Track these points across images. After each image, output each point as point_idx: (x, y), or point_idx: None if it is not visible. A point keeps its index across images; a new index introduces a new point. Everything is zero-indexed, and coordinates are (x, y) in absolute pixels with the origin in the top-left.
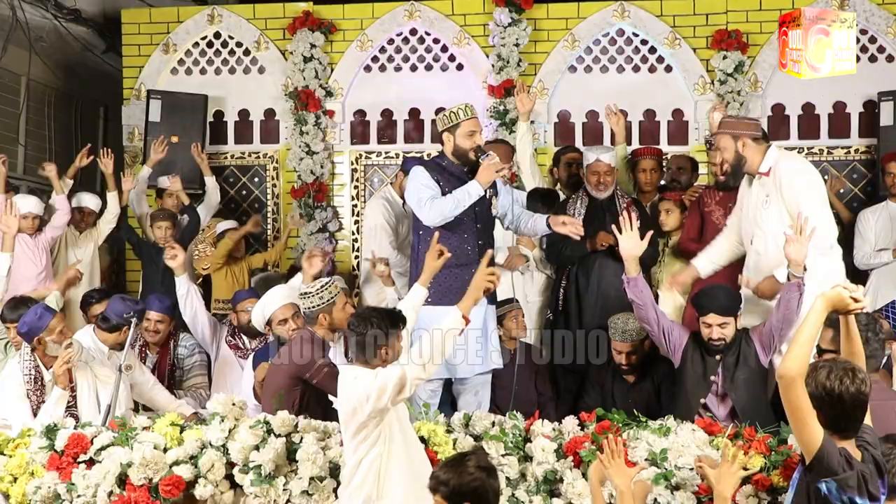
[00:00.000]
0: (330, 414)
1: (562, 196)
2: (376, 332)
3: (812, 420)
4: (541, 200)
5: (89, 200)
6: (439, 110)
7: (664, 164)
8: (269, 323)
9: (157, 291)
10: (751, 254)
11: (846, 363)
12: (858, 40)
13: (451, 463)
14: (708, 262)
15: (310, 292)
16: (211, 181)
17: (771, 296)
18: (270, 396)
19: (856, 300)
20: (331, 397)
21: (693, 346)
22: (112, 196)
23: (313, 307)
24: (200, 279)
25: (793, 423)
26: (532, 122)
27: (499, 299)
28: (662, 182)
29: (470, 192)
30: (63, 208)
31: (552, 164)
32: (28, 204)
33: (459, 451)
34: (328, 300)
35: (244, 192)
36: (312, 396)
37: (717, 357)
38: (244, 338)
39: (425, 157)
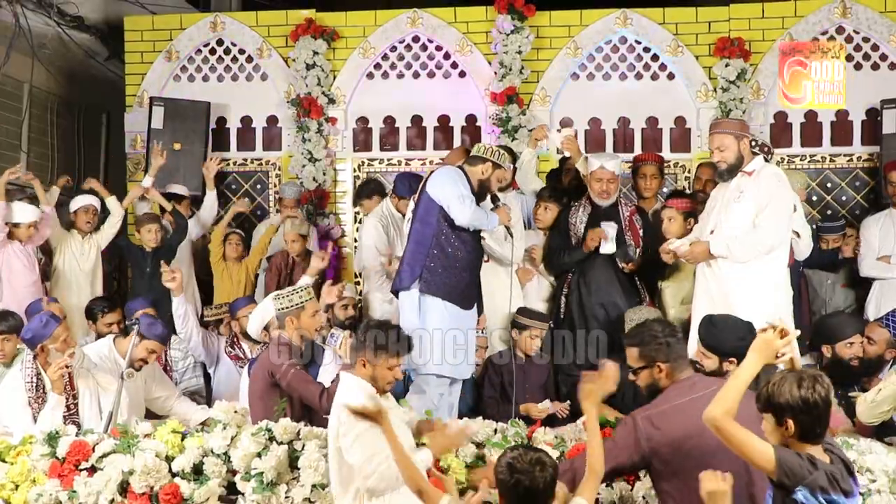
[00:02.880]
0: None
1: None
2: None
3: (755, 442)
4: (550, 197)
5: (89, 199)
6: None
7: (664, 170)
8: (266, 328)
9: (143, 295)
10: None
11: (807, 371)
12: (860, 48)
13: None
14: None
15: (281, 294)
16: (211, 196)
17: (701, 260)
18: (255, 402)
19: (785, 346)
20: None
21: None
22: (112, 201)
23: (282, 309)
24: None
25: (741, 454)
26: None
27: (518, 307)
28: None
29: (490, 220)
30: (48, 220)
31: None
32: (29, 213)
33: (462, 458)
34: (297, 304)
35: (246, 199)
36: (297, 400)
37: None
38: (244, 347)
39: (427, 166)
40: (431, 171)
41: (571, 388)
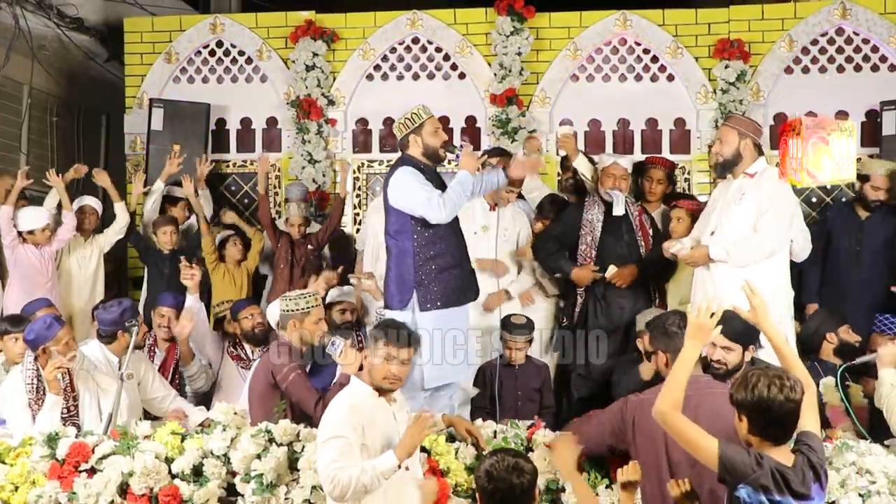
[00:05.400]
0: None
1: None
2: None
3: (699, 437)
4: (550, 212)
5: (90, 201)
6: (391, 121)
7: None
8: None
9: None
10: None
11: (776, 370)
12: (860, 49)
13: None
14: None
15: (289, 296)
16: (204, 193)
17: (701, 263)
18: (255, 403)
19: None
20: None
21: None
22: (120, 207)
23: (287, 311)
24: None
25: (686, 448)
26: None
27: (504, 316)
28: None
29: (462, 182)
30: (70, 224)
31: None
32: (41, 218)
33: (462, 459)
34: (303, 308)
35: (246, 201)
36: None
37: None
38: (246, 348)
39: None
40: (386, 179)
41: (587, 391)
